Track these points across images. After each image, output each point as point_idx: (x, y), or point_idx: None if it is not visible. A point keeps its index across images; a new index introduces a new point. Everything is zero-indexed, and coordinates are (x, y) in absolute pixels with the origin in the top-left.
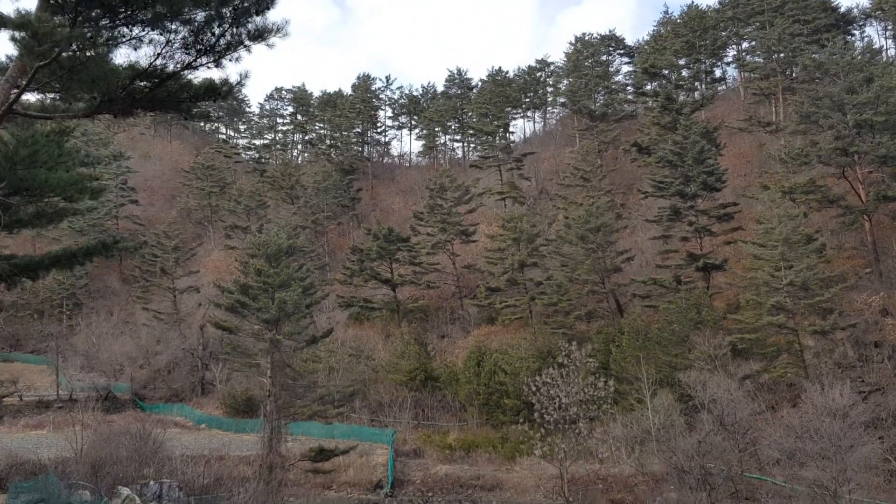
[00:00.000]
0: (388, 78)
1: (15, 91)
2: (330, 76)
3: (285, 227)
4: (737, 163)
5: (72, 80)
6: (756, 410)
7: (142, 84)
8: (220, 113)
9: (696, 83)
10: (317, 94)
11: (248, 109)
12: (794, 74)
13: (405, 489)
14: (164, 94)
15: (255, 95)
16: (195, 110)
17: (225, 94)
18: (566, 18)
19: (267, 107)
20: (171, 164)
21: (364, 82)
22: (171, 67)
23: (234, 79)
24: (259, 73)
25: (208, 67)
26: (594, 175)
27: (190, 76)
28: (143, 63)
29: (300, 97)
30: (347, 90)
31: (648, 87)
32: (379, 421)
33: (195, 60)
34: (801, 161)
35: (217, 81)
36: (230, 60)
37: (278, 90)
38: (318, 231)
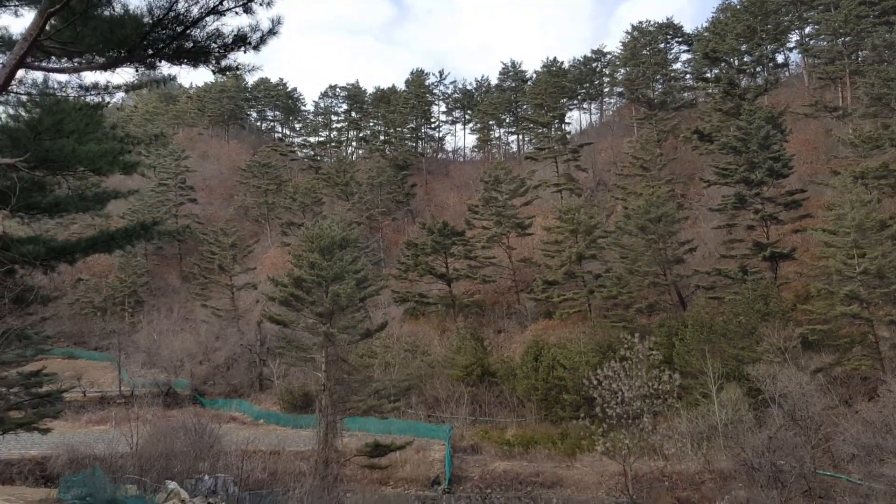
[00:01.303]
0: (441, 73)
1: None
2: (385, 73)
3: (340, 223)
4: (803, 149)
5: (86, 28)
6: (829, 405)
7: (164, 33)
8: (276, 112)
9: (759, 68)
10: (370, 90)
11: (303, 108)
12: (860, 58)
13: (463, 485)
14: (189, 45)
15: (309, 93)
16: (224, 63)
17: (256, 44)
18: (625, 11)
19: (321, 104)
20: (229, 163)
21: (417, 78)
22: (194, 12)
23: (265, 26)
24: (314, 71)
25: (236, 13)
26: (654, 164)
27: (217, 24)
28: (163, 7)
29: (354, 94)
30: (401, 86)
31: (709, 74)
32: (435, 416)
33: (221, 4)
34: (873, 145)
35: (247, 29)
36: (261, 5)
37: (332, 88)
38: (372, 227)
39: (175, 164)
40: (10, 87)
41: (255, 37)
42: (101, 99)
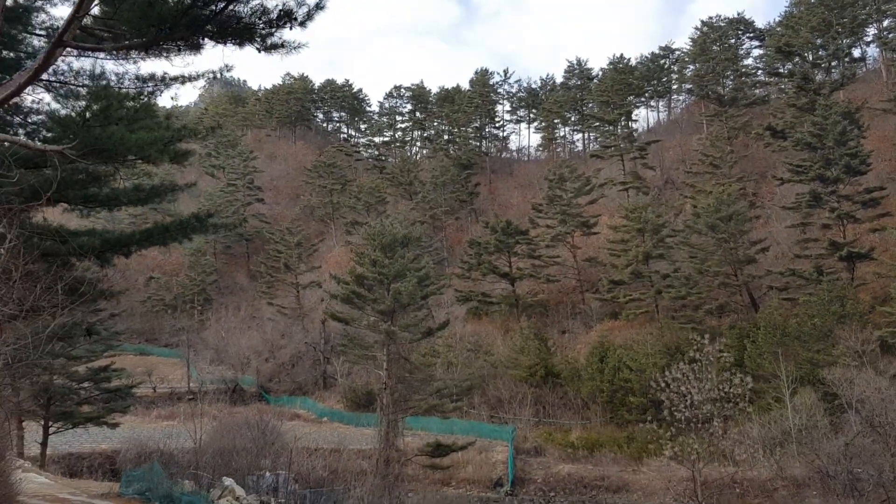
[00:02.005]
0: (505, 72)
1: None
2: (450, 74)
3: (402, 221)
4: (881, 146)
5: (125, 3)
6: None
7: (205, 9)
8: (342, 113)
9: (834, 62)
10: (435, 90)
11: (368, 109)
12: None
13: (526, 488)
14: (233, 22)
15: (374, 94)
16: (270, 41)
17: (302, 20)
18: (694, 9)
19: (386, 105)
20: (296, 163)
21: (482, 77)
22: None
23: (312, 0)
24: (379, 72)
25: None
26: (724, 161)
27: None
28: None
29: (419, 94)
30: (465, 86)
31: (782, 70)
32: (498, 417)
33: None
34: None
35: (293, 4)
36: None
37: (397, 88)
38: (436, 226)
39: (243, 165)
40: (54, 65)
41: (301, 12)
42: (155, 88)
